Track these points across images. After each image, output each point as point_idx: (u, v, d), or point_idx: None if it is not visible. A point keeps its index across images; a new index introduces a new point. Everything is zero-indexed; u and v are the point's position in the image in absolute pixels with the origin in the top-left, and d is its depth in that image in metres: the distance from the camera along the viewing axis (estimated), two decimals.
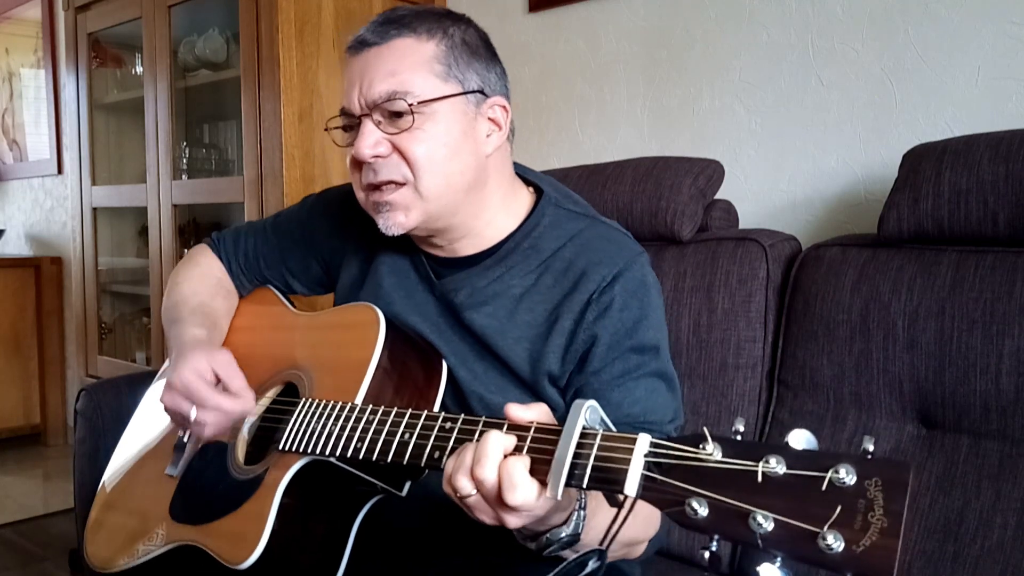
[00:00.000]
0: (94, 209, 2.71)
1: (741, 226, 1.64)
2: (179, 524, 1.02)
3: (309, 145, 2.01)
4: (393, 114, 0.94)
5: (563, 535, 0.75)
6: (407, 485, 0.93)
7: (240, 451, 1.02)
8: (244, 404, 0.99)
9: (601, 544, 0.71)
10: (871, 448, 0.55)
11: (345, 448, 0.85)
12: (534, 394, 0.97)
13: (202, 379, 0.98)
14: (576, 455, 0.65)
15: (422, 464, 0.77)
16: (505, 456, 0.68)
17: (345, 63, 0.99)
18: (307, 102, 2.01)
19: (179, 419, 1.01)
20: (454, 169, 0.96)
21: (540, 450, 0.68)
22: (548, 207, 1.03)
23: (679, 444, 0.61)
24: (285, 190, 1.99)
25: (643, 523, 0.90)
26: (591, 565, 0.70)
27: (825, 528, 0.53)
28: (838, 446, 1.24)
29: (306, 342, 1.09)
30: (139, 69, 2.55)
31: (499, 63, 1.02)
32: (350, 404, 0.89)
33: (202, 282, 1.21)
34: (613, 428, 0.68)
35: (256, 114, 2.04)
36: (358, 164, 0.97)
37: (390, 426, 0.82)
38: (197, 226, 2.54)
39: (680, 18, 1.84)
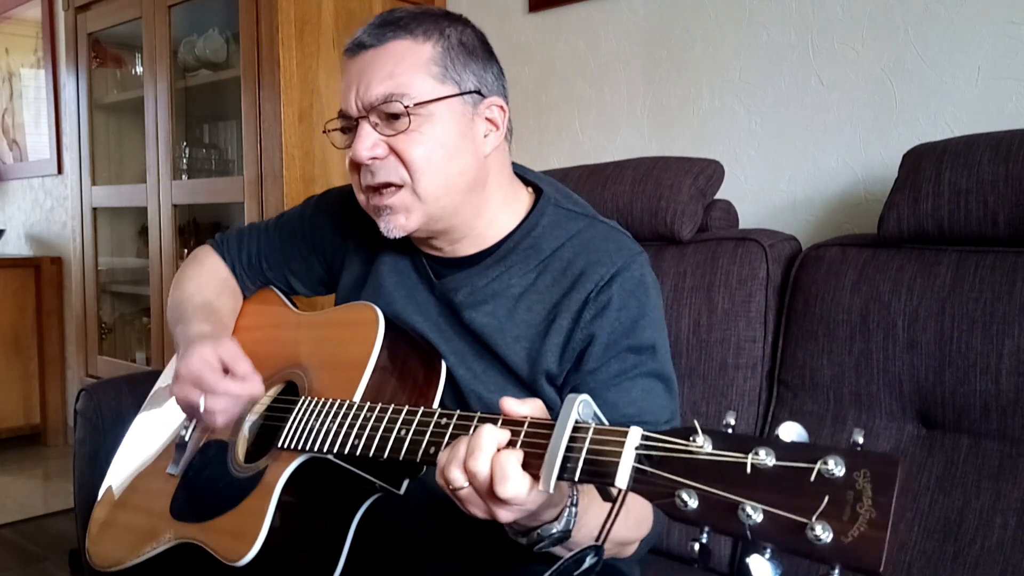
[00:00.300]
0: (94, 209, 2.71)
1: (741, 226, 1.64)
2: (179, 522, 1.03)
3: (309, 145, 2.01)
4: (390, 116, 0.94)
5: (554, 531, 0.75)
6: (405, 483, 0.93)
7: (240, 449, 1.03)
8: (252, 387, 0.99)
9: (597, 540, 0.71)
10: (861, 440, 0.55)
11: (343, 445, 0.85)
12: (532, 393, 0.97)
13: (209, 366, 0.99)
14: (568, 449, 0.65)
15: (418, 460, 0.78)
16: (499, 450, 0.69)
17: (342, 65, 1.00)
18: (307, 102, 2.01)
19: (189, 409, 1.02)
20: (453, 170, 0.96)
21: (533, 444, 0.68)
22: (548, 207, 1.03)
23: (670, 437, 0.61)
24: (285, 190, 1.99)
25: (635, 523, 0.90)
26: (588, 561, 0.71)
27: (813, 519, 0.53)
28: (838, 446, 1.24)
29: (306, 341, 1.09)
30: (139, 69, 2.55)
31: (496, 63, 1.02)
32: (348, 401, 0.89)
33: (207, 281, 1.22)
34: (606, 422, 0.68)
35: (256, 114, 2.04)
36: (356, 166, 0.97)
37: (387, 422, 0.82)
38: (197, 226, 2.54)
39: (680, 18, 1.84)
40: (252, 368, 1.00)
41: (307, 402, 0.94)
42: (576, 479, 0.65)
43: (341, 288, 1.16)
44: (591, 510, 0.77)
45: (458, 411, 0.78)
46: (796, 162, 1.69)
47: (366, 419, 0.85)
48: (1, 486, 3.01)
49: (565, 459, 0.65)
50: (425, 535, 1.01)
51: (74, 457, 1.44)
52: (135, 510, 1.13)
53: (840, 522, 0.52)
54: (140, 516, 1.11)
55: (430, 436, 0.78)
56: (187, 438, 1.11)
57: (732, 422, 0.61)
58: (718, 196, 1.58)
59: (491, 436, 0.69)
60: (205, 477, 1.05)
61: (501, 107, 1.00)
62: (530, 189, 1.07)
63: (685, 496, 0.58)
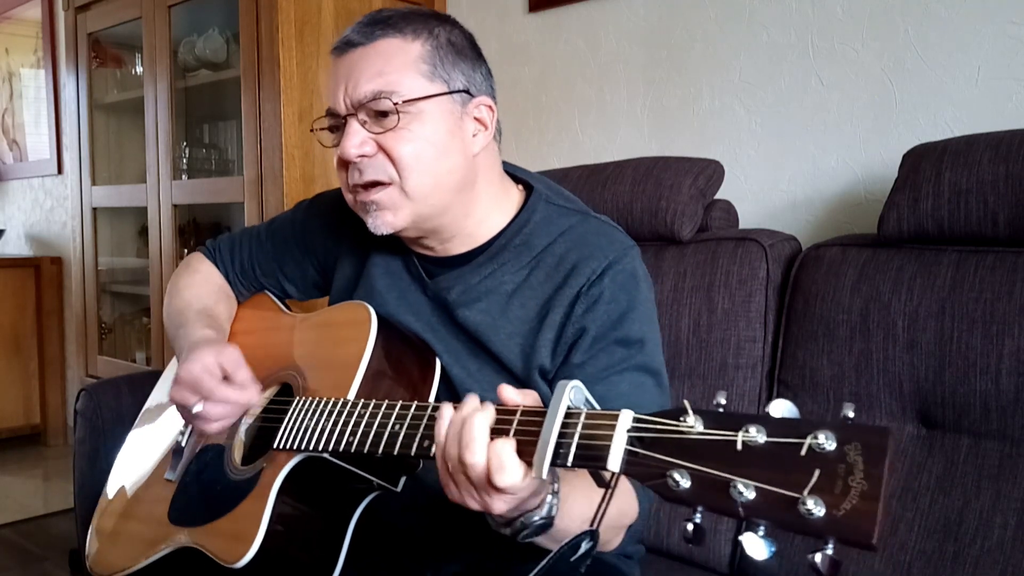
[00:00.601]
0: (94, 209, 2.71)
1: (741, 226, 1.64)
2: (178, 527, 1.03)
3: (309, 145, 2.01)
4: (379, 114, 0.94)
5: (536, 519, 0.76)
6: (402, 480, 0.94)
7: (237, 452, 1.02)
8: (250, 395, 1.00)
9: (592, 525, 0.71)
10: (851, 415, 0.55)
11: (338, 443, 0.85)
12: (527, 389, 0.97)
13: (209, 373, 0.99)
14: (561, 435, 0.65)
15: (412, 453, 0.78)
16: (492, 438, 0.69)
17: (331, 64, 1.00)
18: (307, 102, 2.01)
19: (186, 413, 1.02)
20: (442, 168, 0.96)
21: (526, 432, 0.69)
22: (539, 203, 1.03)
23: (661, 418, 0.62)
24: (285, 190, 1.99)
25: (617, 513, 0.89)
26: (584, 546, 0.71)
27: (805, 494, 0.52)
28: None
29: (300, 342, 1.09)
30: (139, 69, 2.55)
31: (485, 63, 1.03)
32: (342, 400, 0.89)
33: (204, 287, 1.22)
34: (597, 407, 0.68)
35: (256, 114, 2.04)
36: (344, 164, 0.97)
37: (381, 418, 0.83)
38: (197, 226, 2.54)
39: (680, 18, 1.84)
40: (251, 376, 1.01)
41: (302, 403, 0.94)
42: (569, 464, 0.65)
43: (334, 291, 1.16)
44: (572, 497, 0.78)
45: (451, 404, 0.78)
46: (796, 162, 1.68)
47: (360, 416, 0.85)
48: (1, 486, 3.01)
49: (558, 445, 0.65)
50: (423, 533, 1.01)
51: (74, 457, 1.44)
52: (134, 518, 1.13)
53: (832, 495, 0.52)
54: (139, 523, 1.11)
55: (424, 429, 0.78)
56: (184, 443, 1.11)
57: (723, 401, 0.61)
58: (718, 196, 1.58)
59: (483, 425, 0.69)
60: (202, 481, 1.05)
61: (490, 107, 1.00)
62: (521, 187, 1.08)
63: (677, 476, 0.58)
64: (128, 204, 2.64)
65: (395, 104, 0.93)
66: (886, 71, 1.56)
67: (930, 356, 1.19)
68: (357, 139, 0.94)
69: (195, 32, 2.36)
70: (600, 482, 0.68)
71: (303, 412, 0.92)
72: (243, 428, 1.04)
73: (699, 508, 0.58)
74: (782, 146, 1.70)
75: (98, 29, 2.63)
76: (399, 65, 0.94)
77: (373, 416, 0.83)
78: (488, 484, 0.68)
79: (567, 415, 0.66)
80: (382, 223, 0.97)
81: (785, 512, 0.53)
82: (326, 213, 1.18)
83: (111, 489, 1.22)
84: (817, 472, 0.53)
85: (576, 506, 0.78)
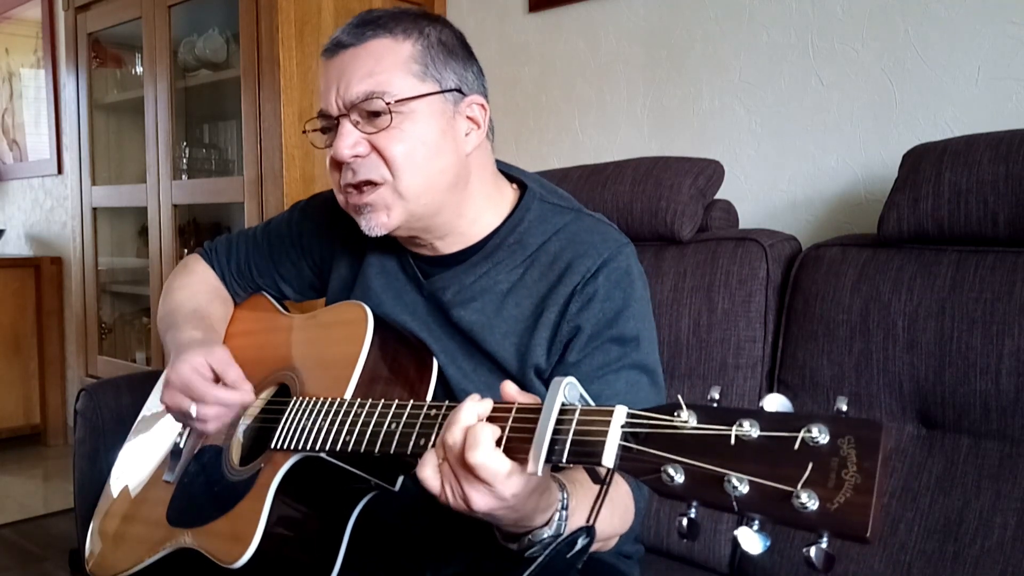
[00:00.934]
0: (94, 209, 2.71)
1: (741, 226, 1.64)
2: (176, 529, 1.03)
3: (309, 145, 2.01)
4: (371, 114, 0.94)
5: (544, 536, 0.75)
6: (400, 480, 0.93)
7: (235, 453, 1.02)
8: (243, 395, 1.00)
9: (588, 521, 0.71)
10: (844, 408, 0.55)
11: (335, 442, 0.85)
12: (523, 389, 0.97)
13: (199, 374, 0.99)
14: (555, 431, 0.65)
15: (408, 452, 0.78)
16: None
17: (322, 66, 1.00)
18: (307, 102, 2.01)
19: (181, 416, 1.02)
20: (434, 168, 0.96)
21: (521, 429, 0.69)
22: (533, 202, 1.03)
23: (655, 414, 0.62)
24: (285, 190, 1.99)
25: (620, 520, 0.90)
26: (580, 543, 0.71)
27: (799, 487, 0.52)
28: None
29: (297, 343, 1.09)
30: (139, 69, 2.55)
31: (476, 62, 1.03)
32: (339, 399, 0.89)
33: (198, 288, 1.22)
34: (592, 403, 0.69)
35: (256, 114, 2.04)
36: (337, 165, 0.97)
37: (377, 417, 0.83)
38: (197, 226, 2.54)
39: (680, 18, 1.84)
40: (242, 375, 1.01)
41: (299, 402, 0.94)
42: (564, 460, 0.65)
43: (330, 291, 1.16)
44: (579, 512, 0.77)
45: (447, 403, 0.78)
46: (796, 162, 1.68)
47: (356, 415, 0.85)
48: (1, 486, 3.01)
49: (552, 441, 0.65)
50: (421, 532, 1.01)
51: (74, 457, 1.44)
52: (134, 520, 1.13)
53: (825, 489, 0.52)
54: (138, 525, 1.11)
55: (419, 428, 0.78)
56: (182, 445, 1.11)
57: (717, 396, 0.61)
58: (718, 196, 1.58)
59: (471, 409, 0.70)
60: (200, 482, 1.05)
61: (482, 106, 1.00)
62: (515, 186, 1.08)
63: (671, 471, 0.58)
64: (128, 204, 2.64)
65: (387, 104, 0.93)
66: (886, 71, 1.56)
67: (930, 356, 1.19)
68: (350, 139, 0.94)
69: (195, 32, 2.36)
70: (595, 478, 0.68)
71: (300, 412, 0.92)
72: (241, 429, 1.04)
73: (694, 503, 0.58)
74: (782, 146, 1.70)
75: (98, 29, 2.63)
76: (390, 65, 0.94)
77: (370, 415, 0.83)
78: (463, 466, 0.68)
79: (562, 411, 0.66)
80: (376, 224, 0.97)
81: (779, 506, 0.53)
82: (322, 214, 1.18)
83: (110, 491, 1.22)
84: (810, 466, 0.53)
85: (581, 520, 0.77)
